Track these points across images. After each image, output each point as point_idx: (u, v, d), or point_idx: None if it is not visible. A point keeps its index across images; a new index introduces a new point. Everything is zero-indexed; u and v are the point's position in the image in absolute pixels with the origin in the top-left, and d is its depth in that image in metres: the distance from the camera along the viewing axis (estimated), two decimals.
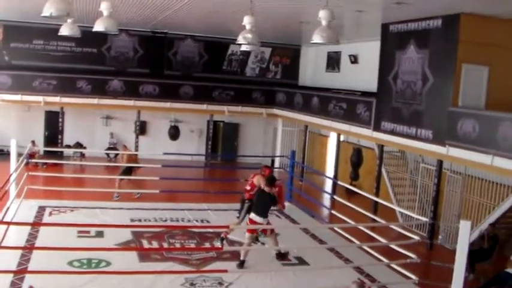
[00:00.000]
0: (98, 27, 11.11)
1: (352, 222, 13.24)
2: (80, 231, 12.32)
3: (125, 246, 11.98)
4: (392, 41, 17.48)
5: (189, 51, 27.84)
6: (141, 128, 26.89)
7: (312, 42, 9.95)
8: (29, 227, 12.56)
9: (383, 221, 13.50)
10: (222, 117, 27.83)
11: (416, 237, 11.31)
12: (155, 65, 27.21)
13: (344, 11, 15.22)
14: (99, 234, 12.47)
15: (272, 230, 11.74)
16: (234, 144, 28.83)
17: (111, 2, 11.09)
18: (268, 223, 11.69)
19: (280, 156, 26.71)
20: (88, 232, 12.47)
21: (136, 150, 25.81)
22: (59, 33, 13.90)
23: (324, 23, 9.75)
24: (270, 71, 29.00)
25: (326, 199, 20.52)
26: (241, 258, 11.33)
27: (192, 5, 16.80)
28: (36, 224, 13.10)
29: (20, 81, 24.49)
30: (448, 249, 15.31)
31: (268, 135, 29.14)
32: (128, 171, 18.77)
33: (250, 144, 28.52)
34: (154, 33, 26.49)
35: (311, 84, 27.09)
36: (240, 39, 11.28)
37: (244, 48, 14.22)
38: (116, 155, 25.93)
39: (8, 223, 11.12)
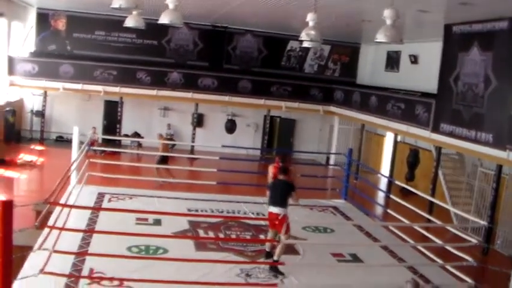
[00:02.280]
0: (163, 19, 11.26)
1: (408, 222, 13.15)
2: (138, 219, 12.48)
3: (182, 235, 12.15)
4: (455, 42, 17.31)
5: (248, 46, 28.05)
6: (198, 121, 27.22)
7: (376, 41, 9.93)
8: (89, 212, 12.81)
9: (439, 222, 13.38)
10: (279, 113, 27.91)
11: (474, 240, 11.20)
12: (214, 58, 27.47)
13: (406, 10, 15.13)
14: (157, 222, 12.61)
15: (287, 230, 10.53)
16: (290, 140, 28.93)
17: None
18: (285, 215, 10.56)
19: (335, 153, 26.65)
20: (146, 220, 12.62)
21: (193, 141, 26.17)
22: (124, 25, 14.03)
23: (388, 22, 9.74)
24: (328, 68, 29.06)
25: (381, 198, 20.44)
26: (267, 249, 11.12)
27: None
28: (97, 209, 13.32)
29: (82, 71, 25.18)
30: (504, 255, 15.13)
31: (324, 132, 29.17)
32: (163, 160, 19.64)
33: (306, 140, 28.69)
34: (215, 27, 26.76)
35: (369, 83, 26.99)
36: (303, 36, 11.26)
37: (306, 44, 14.16)
38: (173, 145, 26.34)
39: (71, 206, 11.38)
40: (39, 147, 25.14)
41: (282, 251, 10.47)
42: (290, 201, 10.83)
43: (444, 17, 17.01)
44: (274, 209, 10.68)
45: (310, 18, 11.30)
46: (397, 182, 17.76)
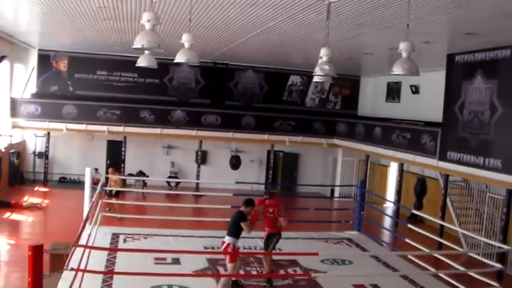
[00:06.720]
0: (180, 58, 11.34)
1: (426, 250, 13.19)
2: (156, 258, 12.54)
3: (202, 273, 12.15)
4: (459, 71, 17.54)
5: (249, 82, 28.32)
6: (203, 158, 27.27)
7: (393, 73, 10.00)
8: (106, 254, 12.76)
9: (453, 247, 13.43)
10: (282, 147, 28.01)
11: (498, 265, 11.26)
12: (216, 95, 27.71)
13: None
14: (176, 262, 12.63)
15: (232, 258, 10.93)
16: (294, 174, 29.00)
17: (192, 35, 11.40)
18: (235, 246, 11.13)
19: (348, 185, 26.60)
20: (164, 259, 12.67)
21: (198, 179, 26.12)
22: (137, 65, 13.90)
23: (404, 54, 9.82)
24: (329, 101, 29.31)
25: (391, 227, 20.44)
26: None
27: (259, 37, 17.11)
28: (119, 250, 13.35)
29: (85, 111, 25.20)
30: None
31: (328, 164, 29.20)
32: (115, 194, 20.14)
33: (310, 173, 28.65)
34: (216, 64, 26.98)
35: (370, 115, 27.16)
36: (317, 71, 11.31)
37: (317, 79, 14.25)
38: (177, 183, 26.40)
39: (91, 247, 11.36)
40: (43, 189, 25.09)
41: (227, 280, 10.81)
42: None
43: (447, 47, 17.26)
44: (226, 238, 11.15)
45: (323, 53, 11.31)
46: (413, 211, 17.86)
